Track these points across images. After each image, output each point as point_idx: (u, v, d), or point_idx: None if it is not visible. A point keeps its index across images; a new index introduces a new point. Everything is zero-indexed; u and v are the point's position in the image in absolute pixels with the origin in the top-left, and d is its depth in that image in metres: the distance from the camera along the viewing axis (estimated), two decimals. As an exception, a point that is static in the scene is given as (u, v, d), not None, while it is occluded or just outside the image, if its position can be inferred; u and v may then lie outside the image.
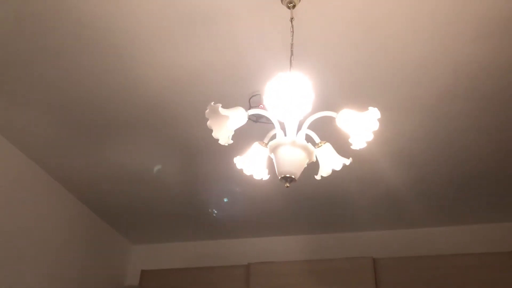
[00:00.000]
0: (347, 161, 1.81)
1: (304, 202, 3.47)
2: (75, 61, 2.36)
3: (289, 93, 1.50)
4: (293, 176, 1.62)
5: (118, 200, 3.57)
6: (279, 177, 1.64)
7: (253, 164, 1.84)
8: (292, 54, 1.91)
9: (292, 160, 1.63)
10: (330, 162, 1.81)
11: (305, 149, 1.64)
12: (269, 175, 1.88)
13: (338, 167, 1.80)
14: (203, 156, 3.09)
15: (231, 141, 1.70)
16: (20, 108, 2.67)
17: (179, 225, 3.86)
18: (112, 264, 3.99)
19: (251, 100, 1.77)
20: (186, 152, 3.06)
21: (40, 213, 3.19)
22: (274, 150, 1.66)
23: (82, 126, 2.83)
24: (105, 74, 2.44)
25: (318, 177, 1.84)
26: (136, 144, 2.99)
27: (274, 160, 1.68)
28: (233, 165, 3.05)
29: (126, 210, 3.70)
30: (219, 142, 1.73)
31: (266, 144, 1.83)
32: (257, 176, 1.85)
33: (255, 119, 2.01)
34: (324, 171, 1.82)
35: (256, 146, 1.85)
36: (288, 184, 1.63)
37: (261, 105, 2.15)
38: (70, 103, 2.65)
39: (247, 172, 1.85)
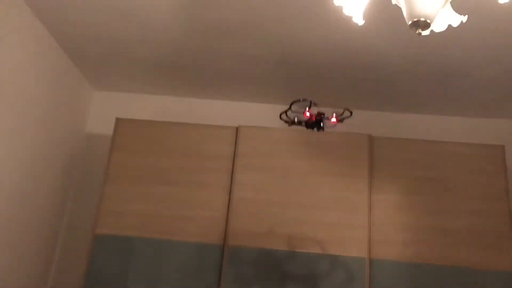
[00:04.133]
0: (464, 18, 1.55)
1: (302, 70, 3.20)
2: None
3: None
4: (428, 21, 1.33)
5: (92, 36, 3.04)
6: (409, 22, 1.34)
7: (354, 2, 1.51)
8: None
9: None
10: (444, 16, 1.53)
11: (447, -11, 1.34)
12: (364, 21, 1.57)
13: (455, 23, 1.54)
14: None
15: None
16: None
17: (161, 76, 3.45)
18: (75, 109, 3.54)
19: None
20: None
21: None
22: (405, -14, 1.34)
23: None
24: None
25: (426, 33, 1.56)
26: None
27: (401, 1, 1.37)
28: (243, 16, 2.71)
29: (100, 50, 3.20)
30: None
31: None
32: (356, 19, 1.53)
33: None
34: (437, 26, 1.54)
35: (360, -18, 1.50)
36: (421, 31, 1.34)
37: None
38: None
39: (347, 11, 1.52)
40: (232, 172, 3.13)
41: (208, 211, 3.07)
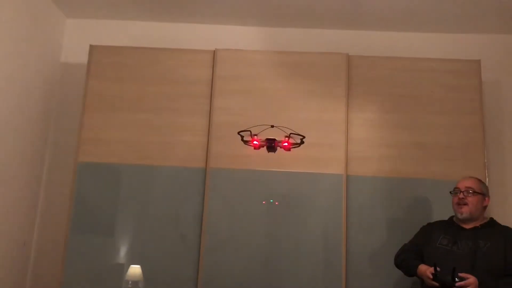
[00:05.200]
0: None
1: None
2: None
3: None
4: None
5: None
6: None
7: None
8: None
9: None
10: None
11: None
12: None
13: None
14: None
15: None
16: None
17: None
18: (48, 39, 3.45)
19: None
20: None
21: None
22: None
23: None
24: None
25: None
26: None
27: None
28: None
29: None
30: None
31: None
32: None
33: None
34: None
35: None
36: None
37: None
38: None
39: None
40: (211, 96, 3.13)
41: (189, 136, 3.10)
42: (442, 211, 2.73)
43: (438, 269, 2.22)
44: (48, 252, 3.30)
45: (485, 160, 2.99)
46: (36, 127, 3.31)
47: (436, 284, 2.23)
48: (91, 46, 3.18)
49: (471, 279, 2.17)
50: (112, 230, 3.01)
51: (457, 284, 2.17)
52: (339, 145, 3.03)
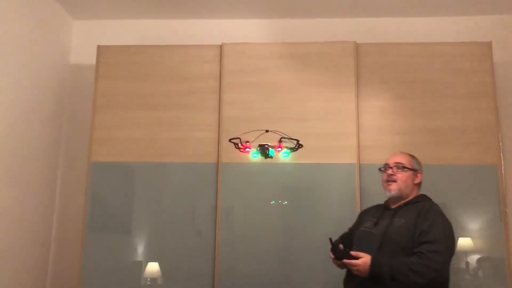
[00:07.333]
0: None
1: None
2: None
3: None
4: None
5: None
6: None
7: None
8: None
9: None
10: None
11: None
12: None
13: None
14: None
15: None
16: None
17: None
18: (57, 41, 3.48)
19: None
20: None
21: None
22: None
23: None
24: None
25: None
26: None
27: None
28: None
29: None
30: None
31: None
32: None
33: None
34: None
35: None
36: None
37: None
38: None
39: None
40: (220, 91, 3.12)
41: (199, 132, 3.11)
42: (457, 197, 2.70)
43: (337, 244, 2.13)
44: (66, 252, 3.34)
45: (500, 144, 2.95)
46: (49, 128, 3.34)
47: (340, 263, 2.14)
48: (98, 46, 3.20)
49: (359, 260, 2.03)
50: (128, 228, 3.03)
51: (344, 261, 2.07)
52: (351, 134, 3.00)
